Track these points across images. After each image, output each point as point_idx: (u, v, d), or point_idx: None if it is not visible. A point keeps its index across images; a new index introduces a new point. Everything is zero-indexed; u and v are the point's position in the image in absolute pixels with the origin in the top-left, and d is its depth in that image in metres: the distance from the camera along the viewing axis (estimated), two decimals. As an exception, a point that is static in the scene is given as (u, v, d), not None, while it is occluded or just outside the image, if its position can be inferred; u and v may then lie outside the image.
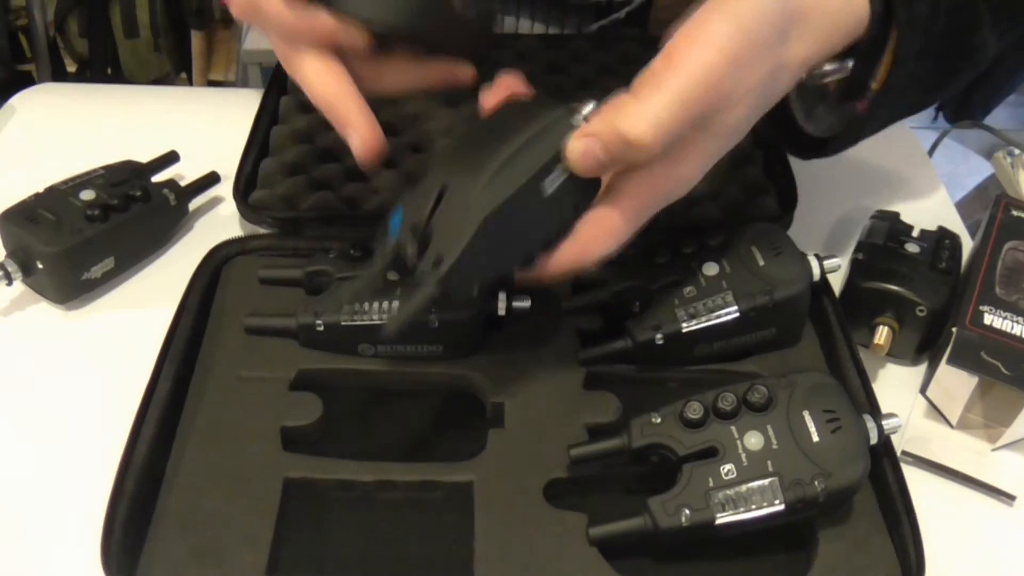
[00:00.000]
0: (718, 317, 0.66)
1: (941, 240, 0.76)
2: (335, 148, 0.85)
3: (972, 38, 0.65)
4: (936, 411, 0.71)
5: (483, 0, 0.69)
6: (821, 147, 0.71)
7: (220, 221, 0.84)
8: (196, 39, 2.17)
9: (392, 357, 0.68)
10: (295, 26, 0.64)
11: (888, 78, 0.62)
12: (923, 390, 0.72)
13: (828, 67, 0.63)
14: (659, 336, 0.66)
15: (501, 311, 0.67)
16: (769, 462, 0.57)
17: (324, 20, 0.63)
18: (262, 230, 0.79)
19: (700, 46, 0.54)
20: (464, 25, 0.67)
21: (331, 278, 0.69)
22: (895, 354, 0.73)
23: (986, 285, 0.71)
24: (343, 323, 0.66)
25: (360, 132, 0.64)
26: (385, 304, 0.66)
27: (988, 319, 0.68)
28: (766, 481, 0.56)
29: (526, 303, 0.68)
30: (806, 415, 0.58)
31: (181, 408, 0.65)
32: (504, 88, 0.63)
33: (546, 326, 0.70)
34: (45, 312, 0.76)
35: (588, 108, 0.57)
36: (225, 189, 0.84)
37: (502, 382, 0.66)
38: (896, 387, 0.72)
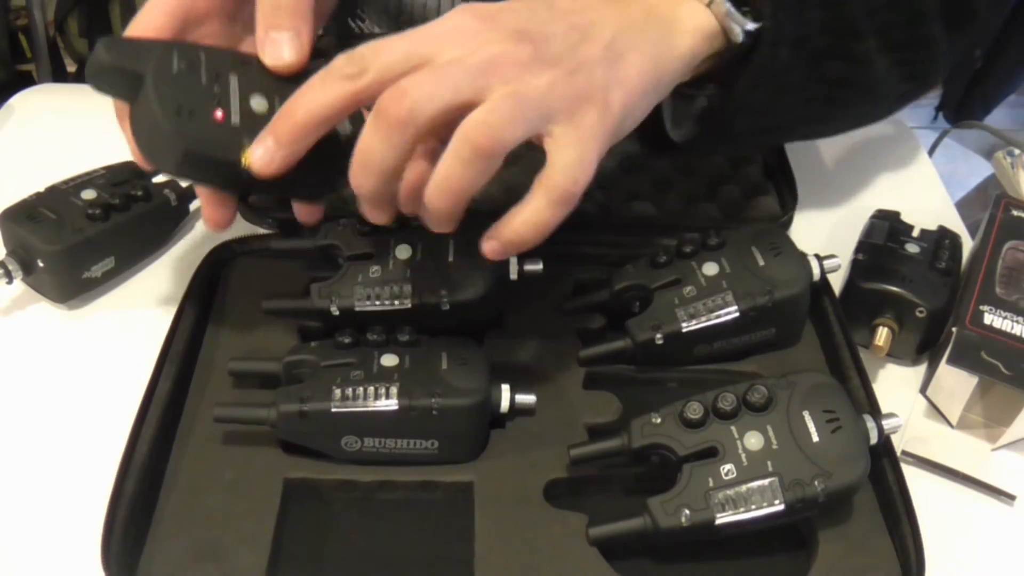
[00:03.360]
0: (718, 317, 0.66)
1: (941, 240, 0.77)
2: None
3: (853, 44, 0.67)
4: (936, 411, 0.71)
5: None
6: (679, 146, 0.74)
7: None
8: (196, 39, 2.17)
9: (379, 454, 0.61)
10: None
11: (759, 51, 0.63)
12: (923, 390, 0.72)
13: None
14: (659, 336, 0.66)
15: (504, 407, 0.62)
16: (769, 462, 0.57)
17: None
18: (262, 230, 0.79)
19: None
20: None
21: (315, 367, 0.62)
22: (895, 354, 0.73)
23: (986, 285, 0.71)
24: (333, 410, 0.59)
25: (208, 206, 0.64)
26: (382, 389, 0.60)
27: (988, 319, 0.68)
28: (766, 481, 0.56)
29: (531, 398, 0.63)
30: (806, 415, 0.58)
31: (182, 408, 0.65)
32: None
33: (546, 326, 0.70)
34: (45, 311, 0.76)
35: None
36: (225, 189, 0.85)
37: (502, 382, 0.66)
38: (896, 387, 0.72)
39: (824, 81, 0.68)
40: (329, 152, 0.57)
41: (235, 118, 0.58)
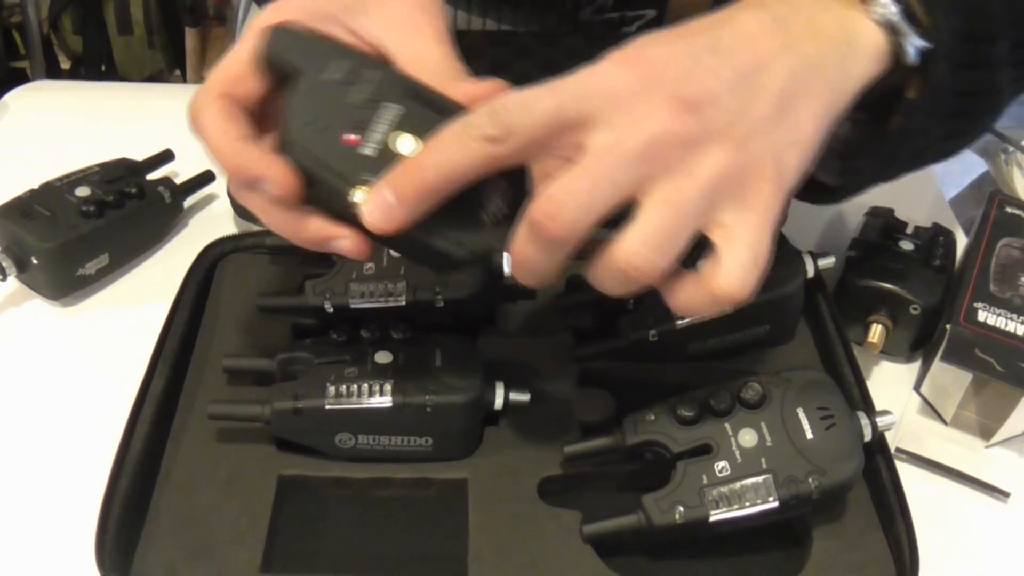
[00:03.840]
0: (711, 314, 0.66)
1: (935, 237, 0.77)
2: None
3: (989, 50, 0.57)
4: (930, 408, 0.71)
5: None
6: (832, 192, 0.63)
7: (214, 219, 0.84)
8: (190, 36, 2.17)
9: (373, 451, 0.61)
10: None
11: (930, 69, 0.54)
12: (917, 387, 0.72)
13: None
14: (653, 333, 0.66)
15: (498, 405, 0.62)
16: (763, 459, 0.57)
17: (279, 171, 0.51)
18: (256, 227, 0.79)
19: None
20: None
21: (309, 364, 0.62)
22: (889, 351, 0.73)
23: (980, 282, 0.71)
24: (327, 407, 0.60)
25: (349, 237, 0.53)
26: (376, 386, 0.60)
27: (982, 316, 0.68)
28: (760, 478, 0.56)
29: (525, 396, 0.63)
30: (800, 412, 0.58)
31: (176, 405, 0.65)
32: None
33: (540, 323, 0.70)
34: (39, 308, 0.75)
35: None
36: (219, 187, 0.85)
37: (496, 380, 0.65)
38: (890, 384, 0.73)
39: (964, 93, 0.58)
40: (458, 215, 0.50)
41: (368, 149, 0.50)
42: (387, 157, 0.50)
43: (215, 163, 0.53)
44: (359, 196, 0.49)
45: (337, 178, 0.50)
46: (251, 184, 0.52)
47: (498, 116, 0.47)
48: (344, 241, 0.52)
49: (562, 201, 0.46)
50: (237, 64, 0.55)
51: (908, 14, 0.52)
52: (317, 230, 0.52)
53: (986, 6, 0.57)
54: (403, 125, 0.51)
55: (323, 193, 0.51)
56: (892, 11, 0.51)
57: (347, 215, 0.50)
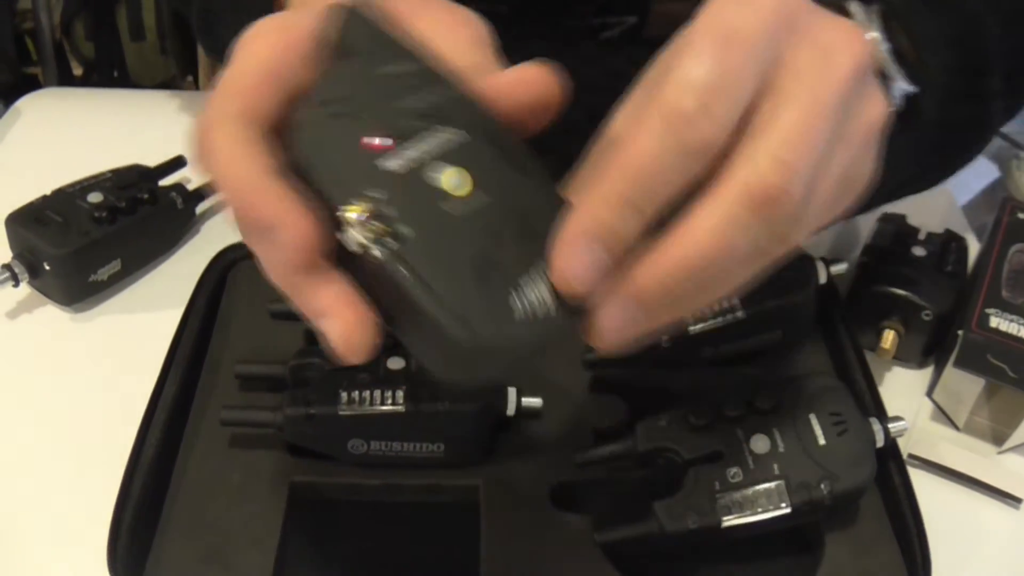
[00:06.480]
0: (725, 320, 0.66)
1: (947, 243, 0.76)
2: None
3: (981, 82, 0.57)
4: (942, 414, 0.71)
5: None
6: None
7: (227, 225, 0.84)
8: (202, 42, 2.17)
9: (385, 457, 0.61)
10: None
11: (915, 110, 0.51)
12: (929, 393, 0.72)
13: None
14: (665, 338, 0.66)
15: (511, 411, 0.62)
16: (775, 465, 0.57)
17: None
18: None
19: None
20: None
21: (321, 370, 0.62)
22: (901, 357, 0.73)
23: (992, 288, 0.71)
24: (339, 413, 0.59)
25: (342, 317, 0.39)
26: (388, 392, 0.59)
27: (994, 322, 0.68)
28: (772, 484, 0.56)
29: (537, 402, 0.62)
30: (812, 418, 0.58)
31: (188, 411, 0.65)
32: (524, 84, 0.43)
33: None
34: (51, 314, 0.76)
35: None
36: (231, 192, 0.85)
37: (508, 386, 0.65)
38: (902, 390, 0.72)
39: (949, 125, 0.56)
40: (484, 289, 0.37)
41: (393, 163, 0.38)
42: (415, 184, 0.38)
43: (224, 195, 0.42)
44: (352, 215, 0.37)
45: (332, 181, 0.38)
46: (261, 232, 0.41)
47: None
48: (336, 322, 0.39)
49: (797, 163, 0.38)
50: (256, 72, 0.42)
51: (896, 52, 0.49)
52: (328, 303, 0.40)
53: (981, 39, 0.56)
54: (452, 156, 0.39)
55: (312, 191, 0.39)
56: (881, 49, 0.48)
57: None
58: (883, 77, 0.47)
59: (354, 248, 0.36)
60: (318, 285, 0.39)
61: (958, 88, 0.55)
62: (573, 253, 0.37)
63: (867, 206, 0.55)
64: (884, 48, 0.49)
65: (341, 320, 0.39)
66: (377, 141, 0.38)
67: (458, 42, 0.45)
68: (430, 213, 0.37)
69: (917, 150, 0.56)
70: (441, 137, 0.39)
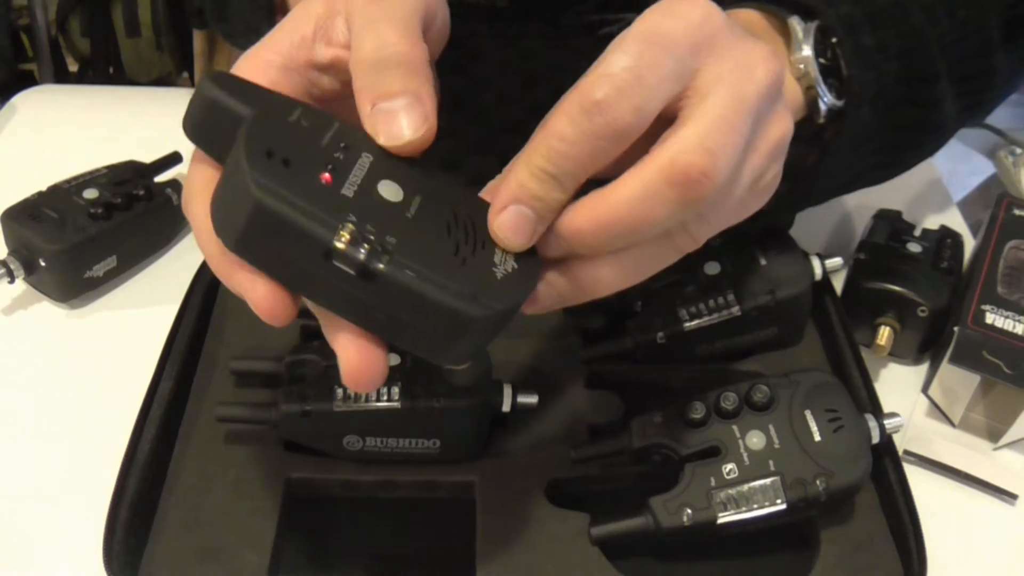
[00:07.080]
0: (720, 316, 0.66)
1: (943, 239, 0.77)
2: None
3: (926, 89, 0.61)
4: (938, 410, 0.71)
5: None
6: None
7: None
8: (198, 38, 2.16)
9: (380, 453, 0.61)
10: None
11: (844, 120, 0.57)
12: (925, 389, 0.72)
13: None
14: (661, 335, 0.66)
15: (506, 407, 0.62)
16: (771, 461, 0.57)
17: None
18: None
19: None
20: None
21: (317, 366, 0.62)
22: (897, 353, 0.73)
23: (988, 284, 0.71)
24: (335, 410, 0.59)
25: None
26: (384, 389, 0.59)
27: (990, 318, 0.68)
28: (768, 480, 0.56)
29: (533, 398, 0.63)
30: (808, 414, 0.58)
31: (184, 408, 0.65)
32: None
33: (548, 326, 0.70)
34: (47, 310, 0.76)
35: None
36: (227, 188, 0.85)
37: (504, 382, 0.66)
38: (898, 386, 0.72)
39: (896, 128, 0.62)
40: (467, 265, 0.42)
41: (348, 190, 0.41)
42: (368, 202, 0.41)
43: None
44: (343, 243, 0.39)
45: (315, 222, 0.39)
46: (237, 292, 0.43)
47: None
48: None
49: (718, 152, 0.41)
50: None
51: (829, 70, 0.55)
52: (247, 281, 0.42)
53: (924, 51, 0.60)
54: (381, 172, 0.43)
55: (285, 247, 0.40)
56: (811, 69, 0.54)
57: (308, 276, 0.40)
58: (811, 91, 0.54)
59: (355, 269, 0.39)
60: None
61: (903, 95, 0.60)
62: (507, 214, 0.43)
63: (813, 201, 0.64)
64: (813, 66, 0.54)
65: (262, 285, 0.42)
66: (327, 175, 0.41)
67: (389, 31, 0.46)
68: (393, 221, 0.41)
69: (866, 150, 0.61)
70: (361, 161, 0.43)
